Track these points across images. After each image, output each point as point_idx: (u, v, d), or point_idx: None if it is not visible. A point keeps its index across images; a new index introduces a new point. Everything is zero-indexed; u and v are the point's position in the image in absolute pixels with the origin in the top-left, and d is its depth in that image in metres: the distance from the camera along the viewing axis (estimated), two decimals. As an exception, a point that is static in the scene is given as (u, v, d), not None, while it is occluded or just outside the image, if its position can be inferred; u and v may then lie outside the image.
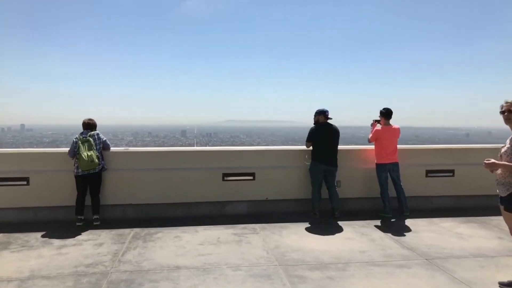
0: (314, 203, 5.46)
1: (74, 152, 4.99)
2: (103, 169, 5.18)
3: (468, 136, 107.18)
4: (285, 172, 5.71)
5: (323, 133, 5.39)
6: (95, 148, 5.02)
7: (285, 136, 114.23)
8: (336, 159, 5.44)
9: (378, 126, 5.63)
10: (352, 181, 5.81)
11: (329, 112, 5.51)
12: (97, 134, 5.20)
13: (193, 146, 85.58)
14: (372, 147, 5.77)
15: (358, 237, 4.61)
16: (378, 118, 5.69)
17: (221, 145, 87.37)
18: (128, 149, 5.62)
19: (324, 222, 5.22)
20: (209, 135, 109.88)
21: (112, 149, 5.48)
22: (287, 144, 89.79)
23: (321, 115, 5.48)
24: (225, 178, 5.56)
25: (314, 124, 5.51)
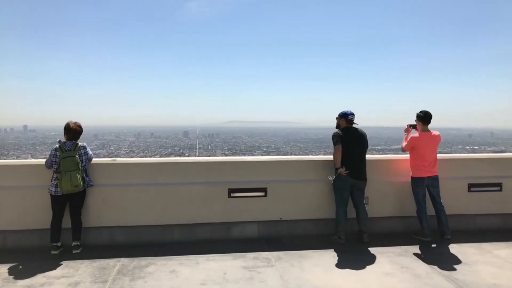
0: (339, 225, 4.56)
1: (52, 164, 4.14)
2: (87, 185, 4.32)
3: (470, 136, 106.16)
4: (303, 186, 4.83)
5: (349, 140, 4.49)
6: (81, 166, 4.16)
7: (287, 136, 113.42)
8: (365, 171, 4.56)
9: (415, 133, 4.74)
10: (382, 198, 4.89)
11: (351, 114, 4.60)
12: (84, 148, 4.30)
13: (195, 146, 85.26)
14: (406, 156, 4.88)
15: (398, 271, 3.70)
16: (414, 123, 4.81)
17: (223, 147, 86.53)
18: (115, 160, 4.75)
19: (352, 249, 4.32)
20: (211, 136, 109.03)
21: (97, 160, 4.63)
22: (289, 144, 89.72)
23: (343, 118, 4.62)
24: (232, 195, 4.69)
25: (336, 128, 4.65)
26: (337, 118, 4.68)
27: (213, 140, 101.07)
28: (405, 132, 4.91)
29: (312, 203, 4.84)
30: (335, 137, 4.52)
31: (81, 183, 4.11)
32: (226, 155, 74.61)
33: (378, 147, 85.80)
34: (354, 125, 4.63)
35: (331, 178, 4.59)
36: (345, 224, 4.55)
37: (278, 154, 77.15)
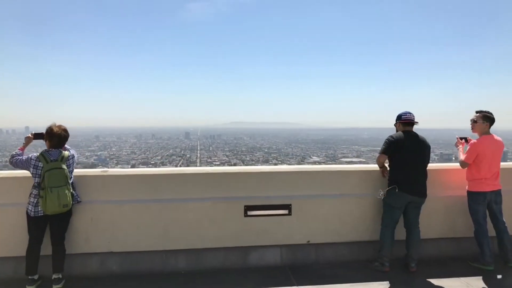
0: (383, 249, 3.74)
1: (24, 168, 3.35)
2: (74, 202, 3.50)
3: (472, 137, 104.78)
4: (336, 202, 4.01)
5: (405, 146, 3.64)
6: (69, 180, 3.35)
7: (288, 137, 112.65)
8: (426, 185, 3.74)
9: (474, 140, 3.89)
10: (428, 215, 4.04)
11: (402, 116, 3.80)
12: (73, 157, 3.49)
13: (197, 148, 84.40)
14: (456, 165, 4.06)
15: (468, 317, 2.88)
16: (464, 136, 4.07)
17: (224, 148, 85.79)
18: (107, 171, 3.91)
19: (399, 281, 3.49)
20: (212, 137, 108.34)
21: (85, 171, 3.84)
22: (291, 145, 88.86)
23: (398, 121, 3.85)
24: (249, 213, 3.87)
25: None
26: (395, 124, 3.92)
27: (214, 141, 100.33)
28: (456, 146, 4.15)
29: (347, 222, 4.02)
30: (384, 142, 3.74)
31: (70, 203, 3.33)
32: (227, 156, 73.75)
33: (379, 148, 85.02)
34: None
35: (381, 194, 3.76)
36: (392, 248, 3.76)
37: (279, 156, 76.32)
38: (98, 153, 70.70)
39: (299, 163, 64.32)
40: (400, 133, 3.75)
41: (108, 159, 64.83)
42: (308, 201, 3.95)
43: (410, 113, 3.79)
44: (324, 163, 66.30)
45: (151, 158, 68.40)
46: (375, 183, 3.96)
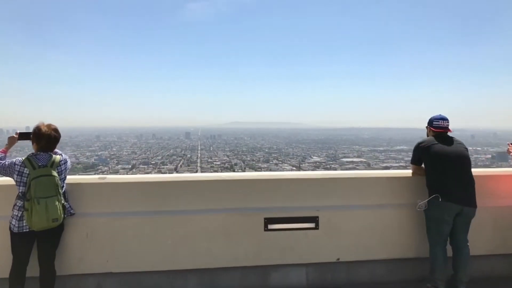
0: (436, 271, 3.22)
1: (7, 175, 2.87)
2: (67, 215, 2.99)
3: (473, 137, 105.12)
4: (372, 214, 3.48)
5: (438, 152, 3.23)
6: (60, 189, 2.85)
7: (289, 137, 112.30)
8: (475, 193, 3.23)
9: None
10: (475, 229, 3.51)
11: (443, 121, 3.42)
12: (65, 162, 3.00)
13: (198, 148, 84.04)
14: (507, 171, 3.54)
15: None
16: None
17: (225, 148, 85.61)
18: (105, 178, 3.39)
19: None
20: (213, 137, 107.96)
21: (79, 178, 3.33)
22: (291, 145, 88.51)
23: (429, 126, 3.50)
24: (269, 226, 3.37)
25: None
26: (426, 127, 3.56)
27: (215, 141, 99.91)
28: (509, 153, 3.69)
29: (384, 237, 3.51)
30: (414, 150, 3.41)
31: (62, 215, 2.84)
32: (228, 156, 73.38)
33: (381, 148, 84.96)
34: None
35: (421, 205, 3.25)
36: (445, 267, 3.23)
37: (279, 156, 76.09)
38: (99, 153, 70.32)
39: (299, 163, 63.89)
40: (430, 137, 3.40)
41: (108, 159, 64.39)
42: (337, 212, 3.45)
43: (443, 119, 3.41)
44: (325, 163, 65.89)
45: (152, 158, 67.99)
46: (415, 191, 3.44)
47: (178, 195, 3.32)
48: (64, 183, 3.00)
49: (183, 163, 64.40)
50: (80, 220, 3.15)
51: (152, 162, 63.11)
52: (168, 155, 72.56)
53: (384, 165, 63.91)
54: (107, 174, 3.57)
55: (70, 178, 3.19)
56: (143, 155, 71.18)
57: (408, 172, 3.62)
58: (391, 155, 73.37)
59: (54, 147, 3.00)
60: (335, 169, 61.49)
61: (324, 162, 66.42)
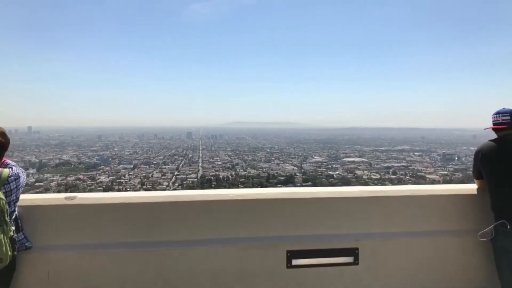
0: None
1: None
2: (20, 250, 2.33)
3: (475, 137, 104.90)
4: (428, 244, 2.78)
5: (501, 159, 2.55)
6: (7, 215, 2.10)
7: (290, 137, 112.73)
8: None
9: None
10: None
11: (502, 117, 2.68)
12: (16, 177, 2.24)
13: (199, 148, 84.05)
14: None
15: None
16: None
17: (226, 148, 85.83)
18: (74, 198, 2.56)
19: None
20: (214, 137, 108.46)
21: (39, 198, 2.55)
22: (292, 145, 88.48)
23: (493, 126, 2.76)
24: (294, 262, 2.65)
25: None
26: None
27: (216, 141, 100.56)
28: None
29: (444, 273, 2.79)
30: (473, 159, 2.73)
31: (9, 251, 2.11)
32: (229, 156, 73.80)
33: (382, 148, 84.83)
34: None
35: (484, 232, 2.56)
36: None
37: (281, 156, 76.19)
38: (101, 153, 70.97)
39: (301, 163, 64.28)
40: (488, 142, 2.66)
41: (110, 159, 65.04)
42: (384, 242, 2.70)
43: (501, 112, 2.66)
44: (326, 163, 66.28)
45: (154, 158, 68.63)
46: (481, 213, 2.75)
47: (173, 220, 2.54)
48: (15, 206, 2.26)
49: (184, 163, 65.00)
50: (40, 255, 2.44)
51: (154, 162, 63.78)
52: (169, 155, 73.22)
53: (386, 165, 64.35)
54: (79, 192, 2.57)
55: (26, 199, 2.45)
56: (145, 155, 71.86)
57: (472, 187, 2.92)
58: (393, 155, 73.64)
59: (1, 156, 2.26)
60: (336, 169, 61.64)
61: (325, 162, 66.88)
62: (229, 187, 51.57)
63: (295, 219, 2.65)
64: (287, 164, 64.60)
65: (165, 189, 52.51)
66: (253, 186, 51.13)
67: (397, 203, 2.75)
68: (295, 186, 51.30)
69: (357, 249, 2.68)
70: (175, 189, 54.39)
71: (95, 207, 2.51)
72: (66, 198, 2.53)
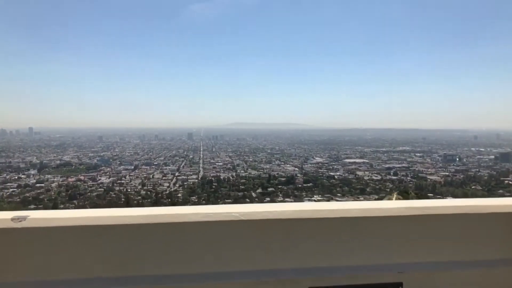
0: None
1: None
2: None
3: (476, 138, 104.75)
4: (489, 276, 2.10)
5: None
6: None
7: (291, 138, 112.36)
8: None
9: None
10: None
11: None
12: None
13: (200, 149, 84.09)
14: None
15: None
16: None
17: (227, 149, 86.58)
18: (24, 219, 1.77)
19: None
20: (215, 138, 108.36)
21: None
22: (293, 146, 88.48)
23: None
24: None
25: None
26: None
27: (217, 142, 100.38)
28: None
29: None
30: None
31: None
32: (230, 157, 73.85)
33: (383, 149, 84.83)
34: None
35: None
36: None
37: (282, 156, 76.37)
38: (101, 154, 71.03)
39: (302, 164, 64.33)
40: None
41: (111, 160, 65.14)
42: (435, 275, 2.09)
43: None
44: (327, 164, 66.34)
45: (154, 158, 68.74)
46: None
47: (160, 248, 1.87)
48: None
49: (185, 164, 65.11)
50: None
51: (155, 163, 63.92)
52: (170, 156, 73.30)
53: (387, 166, 64.39)
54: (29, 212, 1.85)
55: None
56: (146, 155, 71.95)
57: None
58: (394, 156, 73.61)
59: None
60: (337, 170, 61.69)
61: (326, 163, 66.87)
62: (230, 188, 51.74)
63: (317, 246, 1.99)
64: (288, 165, 64.56)
65: (165, 190, 52.87)
66: (254, 188, 51.22)
67: (451, 222, 2.07)
68: (297, 187, 51.22)
69: (401, 284, 2.04)
70: (176, 190, 54.55)
71: (53, 231, 1.80)
72: (13, 219, 1.80)
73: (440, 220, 2.10)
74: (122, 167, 60.17)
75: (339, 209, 2.04)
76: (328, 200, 51.02)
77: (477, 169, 62.49)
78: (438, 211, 2.12)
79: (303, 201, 49.80)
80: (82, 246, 1.88)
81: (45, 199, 47.10)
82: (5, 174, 58.58)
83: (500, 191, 47.20)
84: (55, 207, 41.58)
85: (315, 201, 49.92)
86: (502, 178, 52.25)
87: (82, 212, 1.97)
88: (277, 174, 59.13)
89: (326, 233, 2.01)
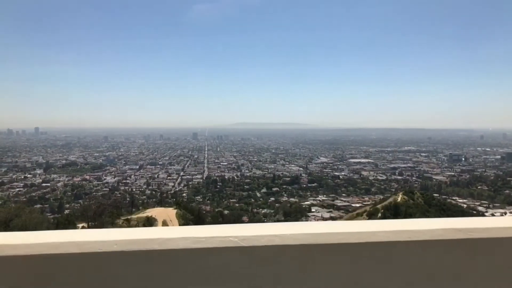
0: None
1: None
2: None
3: (482, 138, 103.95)
4: None
5: None
6: None
7: (296, 138, 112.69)
8: None
9: None
10: None
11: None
12: None
13: (205, 148, 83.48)
14: None
15: None
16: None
17: (232, 149, 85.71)
18: None
19: None
20: (220, 138, 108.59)
21: None
22: (298, 146, 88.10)
23: None
24: None
25: None
26: None
27: (221, 142, 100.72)
28: None
29: None
30: None
31: None
32: (235, 157, 73.65)
33: (388, 149, 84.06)
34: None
35: None
36: None
37: (286, 156, 75.89)
38: (107, 154, 71.41)
39: (306, 164, 63.98)
40: None
41: (116, 160, 65.41)
42: None
43: None
44: (332, 163, 65.87)
45: (159, 158, 68.93)
46: None
47: (137, 285, 1.34)
48: None
49: (190, 164, 65.09)
50: None
51: (160, 163, 63.99)
52: (175, 155, 73.41)
53: (392, 165, 63.83)
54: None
55: None
56: (151, 155, 72.14)
57: None
58: (399, 156, 73.09)
59: None
60: (342, 170, 60.33)
61: (331, 163, 66.53)
62: (234, 188, 51.11)
63: (333, 278, 1.40)
64: (293, 165, 64.33)
65: (171, 190, 51.35)
66: (258, 187, 50.88)
67: (505, 246, 1.46)
68: (301, 187, 50.92)
69: None
70: (180, 189, 53.57)
71: (18, 261, 1.32)
72: None
73: (490, 244, 1.46)
74: (127, 166, 60.37)
75: (363, 232, 1.45)
76: (333, 200, 48.96)
77: (483, 169, 61.53)
78: (488, 234, 1.47)
79: (307, 200, 48.59)
80: (55, 280, 1.34)
81: (51, 199, 47.37)
82: (11, 174, 59.06)
83: (507, 191, 46.38)
84: (60, 206, 41.70)
85: (319, 201, 48.06)
86: (509, 178, 51.24)
87: (34, 236, 1.43)
88: (282, 174, 58.77)
89: (348, 261, 1.42)
